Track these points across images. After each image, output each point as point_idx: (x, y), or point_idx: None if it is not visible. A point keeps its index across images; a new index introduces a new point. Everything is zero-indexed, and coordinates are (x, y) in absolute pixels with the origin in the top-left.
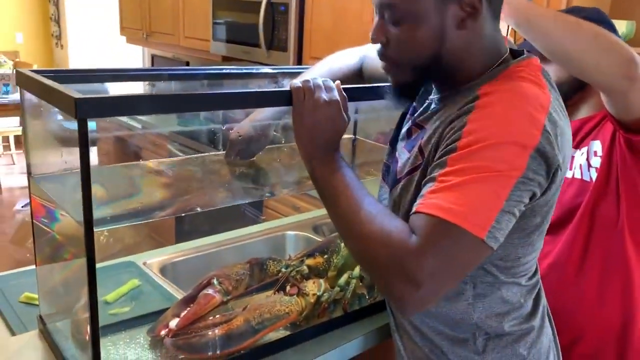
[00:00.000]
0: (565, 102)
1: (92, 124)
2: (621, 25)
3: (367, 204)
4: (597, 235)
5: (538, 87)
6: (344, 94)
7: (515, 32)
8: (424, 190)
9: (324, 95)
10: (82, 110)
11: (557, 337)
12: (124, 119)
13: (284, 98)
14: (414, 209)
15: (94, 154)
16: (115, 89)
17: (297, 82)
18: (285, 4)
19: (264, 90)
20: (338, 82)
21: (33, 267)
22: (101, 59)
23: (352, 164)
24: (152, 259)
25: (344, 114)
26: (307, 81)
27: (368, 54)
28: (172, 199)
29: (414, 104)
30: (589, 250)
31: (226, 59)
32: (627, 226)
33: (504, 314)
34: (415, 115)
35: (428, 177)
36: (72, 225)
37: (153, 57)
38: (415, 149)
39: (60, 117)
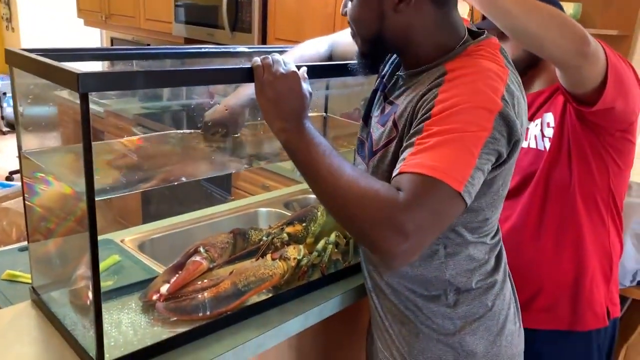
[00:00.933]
0: (520, 78)
1: (53, 108)
2: (569, 7)
3: (348, 169)
4: (552, 199)
5: (496, 63)
6: (305, 74)
7: (472, 11)
8: (404, 155)
9: (281, 69)
10: (85, 85)
11: (516, 292)
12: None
13: (246, 74)
14: (396, 171)
15: (57, 138)
16: (87, 68)
17: (257, 59)
18: None
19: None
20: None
21: (11, 246)
22: (56, 43)
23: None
24: (130, 237)
25: (304, 84)
26: (266, 57)
27: (337, 40)
28: (156, 172)
29: (384, 81)
30: (545, 213)
31: (188, 41)
32: (578, 190)
33: (471, 270)
34: (386, 91)
35: (406, 143)
36: (70, 198)
37: (112, 39)
38: (390, 123)
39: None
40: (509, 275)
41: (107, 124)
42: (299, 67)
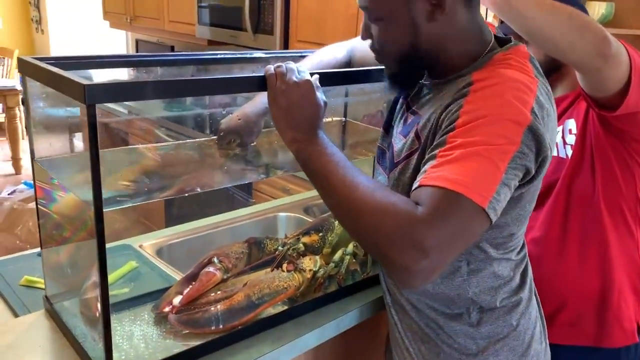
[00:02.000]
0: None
1: (75, 110)
2: (601, 7)
3: (363, 180)
4: (575, 208)
5: (525, 73)
6: (317, 82)
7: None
8: (426, 167)
9: (294, 77)
10: (91, 96)
11: (542, 309)
12: (109, 104)
13: (259, 83)
14: (416, 184)
15: (78, 140)
16: (108, 75)
17: (271, 67)
18: None
19: (250, 75)
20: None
21: (30, 251)
22: (84, 44)
23: (343, 145)
24: (148, 242)
25: (317, 94)
26: (280, 66)
27: (356, 46)
28: (172, 181)
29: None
30: (568, 223)
31: (212, 43)
32: (603, 198)
33: (496, 288)
34: (408, 99)
35: (428, 155)
36: (81, 206)
37: (137, 41)
38: (412, 134)
39: (55, 103)
40: (534, 292)
41: (131, 126)
42: (312, 75)
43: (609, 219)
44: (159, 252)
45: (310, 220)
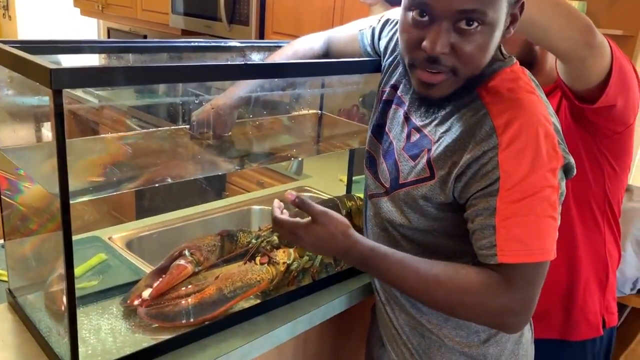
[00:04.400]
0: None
1: (45, 98)
2: (574, 5)
3: (434, 268)
4: None
5: (534, 95)
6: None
7: None
8: (490, 239)
9: (300, 232)
10: (58, 81)
11: None
12: (79, 92)
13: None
14: (490, 259)
15: (46, 129)
16: (78, 61)
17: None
18: None
19: (247, 62)
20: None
21: None
22: (53, 32)
23: (319, 138)
24: (118, 234)
25: (330, 218)
26: (279, 222)
27: (333, 36)
28: (141, 171)
29: (399, 93)
30: None
31: (186, 33)
32: (572, 193)
33: None
34: (406, 109)
35: (482, 222)
36: (46, 198)
37: (109, 30)
38: (423, 162)
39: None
40: None
41: (101, 115)
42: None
43: (577, 215)
44: (129, 245)
45: None
